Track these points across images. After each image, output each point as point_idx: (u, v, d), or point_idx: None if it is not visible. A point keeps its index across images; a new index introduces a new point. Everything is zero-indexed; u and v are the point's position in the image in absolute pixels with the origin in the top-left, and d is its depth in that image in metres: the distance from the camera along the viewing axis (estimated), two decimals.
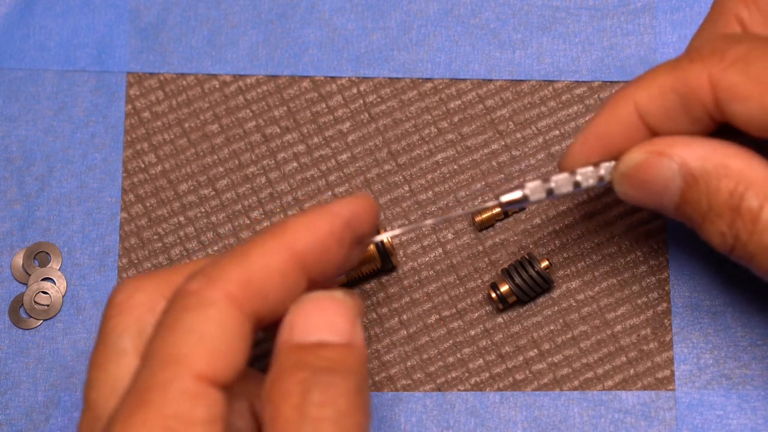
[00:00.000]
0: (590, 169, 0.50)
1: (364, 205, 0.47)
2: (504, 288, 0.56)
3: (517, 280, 0.55)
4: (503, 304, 0.56)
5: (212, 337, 0.42)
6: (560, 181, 0.50)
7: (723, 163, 0.48)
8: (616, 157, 0.50)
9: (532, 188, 0.50)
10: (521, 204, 0.51)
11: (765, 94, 0.46)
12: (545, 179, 0.50)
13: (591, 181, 0.50)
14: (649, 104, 0.48)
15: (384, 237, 0.51)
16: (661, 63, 0.49)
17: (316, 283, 0.46)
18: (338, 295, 0.45)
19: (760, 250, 0.48)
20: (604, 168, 0.50)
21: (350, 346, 0.44)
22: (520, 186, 0.50)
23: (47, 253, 0.57)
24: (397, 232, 0.51)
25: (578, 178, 0.50)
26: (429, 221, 0.51)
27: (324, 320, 0.44)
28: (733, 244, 0.48)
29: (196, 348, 0.41)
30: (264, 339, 0.52)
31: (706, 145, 0.48)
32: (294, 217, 0.45)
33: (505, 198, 0.51)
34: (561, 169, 0.51)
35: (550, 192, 0.50)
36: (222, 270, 0.43)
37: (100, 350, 0.45)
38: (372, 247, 0.55)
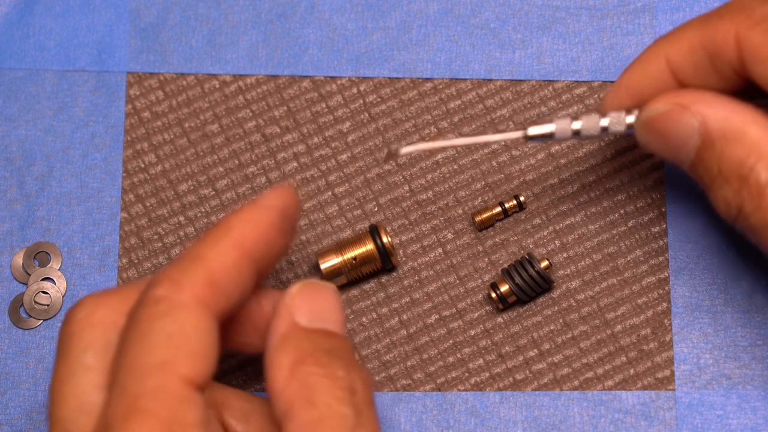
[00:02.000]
0: (621, 114, 0.50)
1: (290, 194, 0.48)
2: (504, 288, 0.56)
3: (517, 280, 0.55)
4: (503, 304, 0.56)
5: (191, 339, 0.42)
6: (589, 122, 0.50)
7: (741, 128, 0.47)
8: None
9: (561, 125, 0.50)
10: (546, 139, 0.50)
11: None
12: (574, 117, 0.50)
13: (619, 127, 0.50)
14: (679, 59, 0.48)
15: (413, 148, 0.51)
16: (694, 18, 0.49)
17: (262, 273, 0.47)
18: (333, 286, 0.47)
19: (762, 225, 0.47)
20: (634, 116, 0.50)
21: (346, 339, 0.46)
22: (548, 120, 0.50)
23: (47, 253, 0.57)
24: (425, 146, 0.51)
25: (606, 122, 0.50)
26: (446, 143, 0.51)
27: (325, 309, 0.46)
28: (736, 214, 0.48)
29: (178, 352, 0.42)
30: None
31: (729, 107, 0.47)
32: (234, 214, 0.46)
33: (533, 131, 0.50)
34: (600, 106, 0.51)
35: (576, 132, 0.50)
36: (185, 273, 0.43)
37: (62, 366, 0.45)
38: (372, 246, 0.55)
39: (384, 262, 0.56)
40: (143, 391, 0.41)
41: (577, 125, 0.50)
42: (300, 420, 0.42)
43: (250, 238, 0.45)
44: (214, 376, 0.43)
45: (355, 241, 0.56)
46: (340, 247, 0.56)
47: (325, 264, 0.56)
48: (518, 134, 0.51)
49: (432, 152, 0.58)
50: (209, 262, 0.44)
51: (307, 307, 0.46)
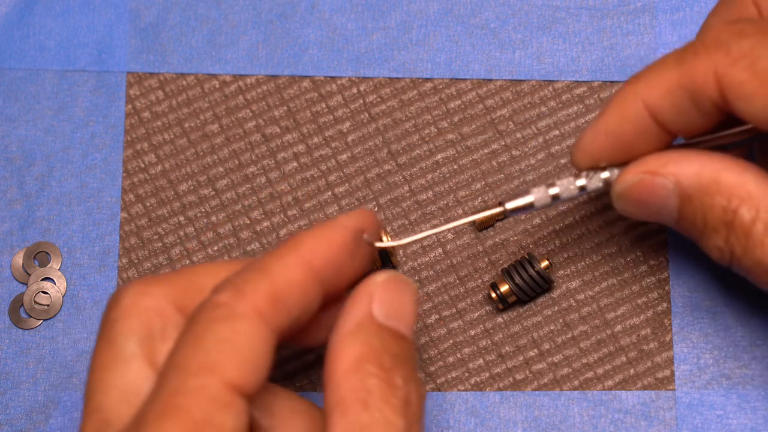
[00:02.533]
0: (596, 173, 0.50)
1: (368, 217, 0.48)
2: (504, 288, 0.56)
3: (517, 280, 0.55)
4: (503, 304, 0.56)
5: (243, 348, 0.42)
6: (565, 185, 0.50)
7: (715, 178, 0.48)
8: (625, 154, 0.50)
9: (538, 194, 0.50)
10: (527, 211, 0.51)
11: None
12: (550, 184, 0.50)
13: (596, 184, 0.50)
14: (658, 102, 0.48)
15: (391, 243, 0.51)
16: (666, 54, 0.49)
17: (329, 295, 0.46)
18: (414, 286, 0.47)
19: (754, 265, 0.48)
20: (609, 172, 0.50)
21: (414, 345, 0.46)
22: (526, 192, 0.50)
23: (47, 253, 0.57)
24: (404, 241, 0.51)
25: (582, 182, 0.50)
26: (431, 231, 0.51)
27: (401, 308, 0.46)
28: (730, 259, 0.48)
29: (228, 357, 0.42)
30: None
31: (699, 160, 0.48)
32: (307, 231, 0.46)
33: (511, 205, 0.51)
34: (573, 164, 0.51)
35: (555, 197, 0.50)
36: (249, 284, 0.44)
37: (104, 353, 0.44)
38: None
39: (384, 262, 0.56)
40: (183, 390, 0.41)
41: (554, 191, 0.51)
42: (350, 419, 0.42)
43: (319, 257, 0.45)
44: (261, 388, 0.43)
45: None
46: None
47: None
48: (497, 210, 0.51)
49: (430, 161, 0.58)
50: (274, 276, 0.44)
51: (388, 301, 0.45)
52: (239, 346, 0.42)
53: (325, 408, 0.43)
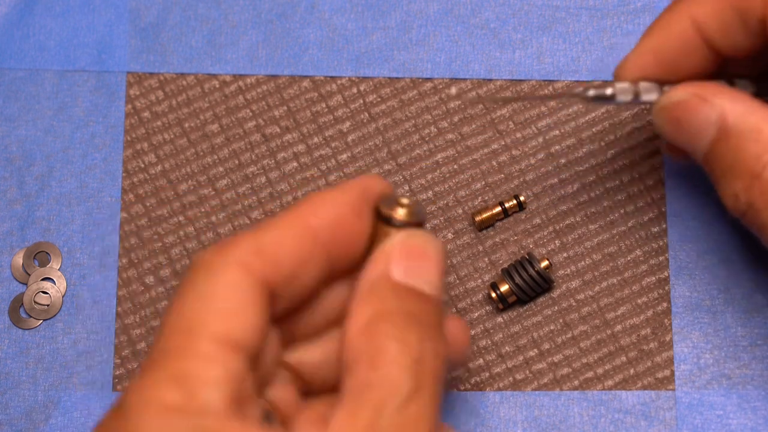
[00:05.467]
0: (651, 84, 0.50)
1: (377, 179, 0.47)
2: (504, 288, 0.56)
3: (517, 279, 0.55)
4: (503, 303, 0.56)
5: (224, 299, 0.42)
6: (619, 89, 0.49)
7: (758, 126, 0.47)
8: (672, 74, 0.49)
9: (620, 89, 0.49)
10: (609, 102, 0.49)
11: None
12: (634, 83, 0.50)
13: (652, 96, 0.50)
14: (706, 20, 0.48)
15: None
16: None
17: (342, 264, 0.46)
18: (438, 243, 0.45)
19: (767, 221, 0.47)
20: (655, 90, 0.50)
21: (440, 303, 0.45)
22: (609, 84, 0.49)
23: (47, 253, 0.57)
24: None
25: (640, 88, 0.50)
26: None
27: (423, 266, 0.45)
28: (745, 210, 0.48)
29: (209, 310, 0.42)
30: None
31: (749, 103, 0.48)
32: (312, 193, 0.45)
33: (593, 93, 0.49)
34: (616, 78, 0.50)
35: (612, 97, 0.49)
36: (234, 239, 0.43)
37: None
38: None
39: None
40: (168, 347, 0.41)
41: (609, 90, 0.49)
42: (357, 378, 0.42)
43: (319, 216, 0.45)
44: (262, 338, 0.42)
45: None
46: None
47: None
48: (581, 91, 0.49)
49: (430, 160, 0.58)
50: (262, 233, 0.44)
51: (406, 259, 0.45)
52: (219, 297, 0.42)
53: (343, 369, 0.43)
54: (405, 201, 0.46)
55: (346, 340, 0.43)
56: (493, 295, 0.56)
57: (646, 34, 0.50)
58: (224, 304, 0.42)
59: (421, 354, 0.43)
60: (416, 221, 0.46)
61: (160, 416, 0.40)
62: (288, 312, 0.45)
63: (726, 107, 0.48)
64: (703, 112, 0.48)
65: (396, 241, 0.45)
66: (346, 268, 0.46)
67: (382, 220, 0.46)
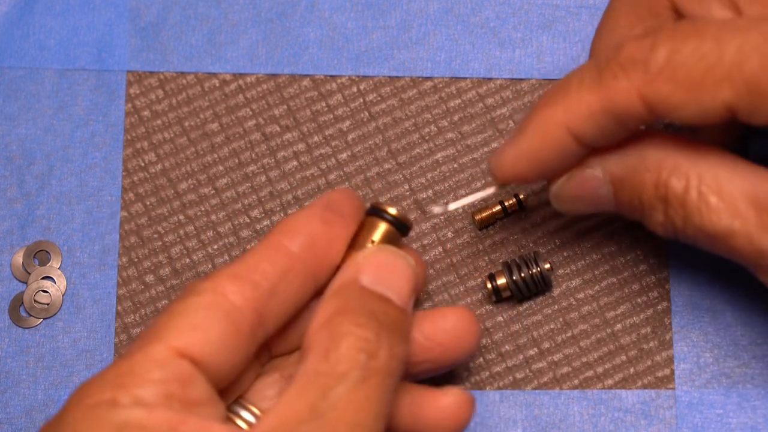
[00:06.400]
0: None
1: (340, 190, 0.49)
2: (501, 281, 0.55)
3: (516, 276, 0.55)
4: (496, 296, 0.56)
5: (191, 316, 0.44)
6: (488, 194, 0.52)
7: (640, 155, 0.48)
8: (548, 173, 0.50)
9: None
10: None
11: (699, 97, 0.45)
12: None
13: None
14: (581, 126, 0.48)
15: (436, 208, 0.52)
16: (579, 73, 0.48)
17: (323, 279, 0.48)
18: (410, 259, 0.47)
19: (696, 232, 0.48)
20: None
21: (406, 313, 0.46)
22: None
23: (47, 251, 0.57)
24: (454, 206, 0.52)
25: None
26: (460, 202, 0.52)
27: (391, 277, 0.46)
28: (674, 232, 0.48)
29: (175, 325, 0.44)
30: None
31: (621, 143, 0.48)
32: (281, 219, 0.48)
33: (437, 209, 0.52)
34: (491, 175, 0.51)
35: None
36: (215, 271, 0.46)
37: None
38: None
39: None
40: (131, 350, 0.44)
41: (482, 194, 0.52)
42: (309, 365, 0.44)
43: (289, 234, 0.47)
44: (228, 354, 0.45)
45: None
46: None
47: None
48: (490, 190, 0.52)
49: (430, 159, 0.58)
50: (237, 261, 0.46)
51: (375, 268, 0.47)
52: (189, 315, 0.44)
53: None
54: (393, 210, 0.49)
55: (306, 334, 0.45)
56: (489, 285, 0.56)
57: (518, 137, 0.49)
58: (188, 320, 0.44)
59: (377, 350, 0.44)
60: (403, 222, 0.49)
61: (88, 410, 0.42)
62: (278, 329, 0.47)
63: (603, 159, 0.49)
64: (589, 179, 0.49)
65: (368, 253, 0.47)
66: (328, 283, 0.48)
67: (372, 215, 0.49)
